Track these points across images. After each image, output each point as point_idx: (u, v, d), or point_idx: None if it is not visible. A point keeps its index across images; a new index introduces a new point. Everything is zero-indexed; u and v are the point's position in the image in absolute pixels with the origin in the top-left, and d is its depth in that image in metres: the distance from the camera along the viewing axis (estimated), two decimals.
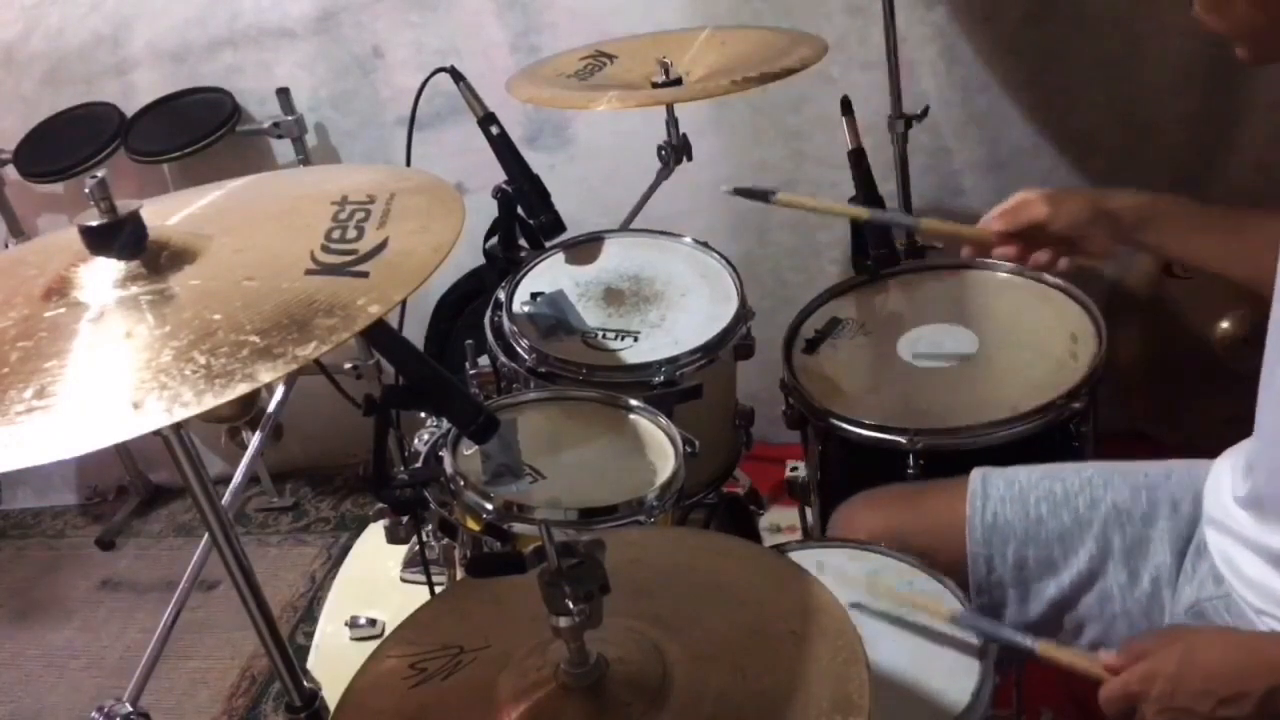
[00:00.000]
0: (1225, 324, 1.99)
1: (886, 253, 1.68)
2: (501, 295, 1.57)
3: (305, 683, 0.97)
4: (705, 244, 1.67)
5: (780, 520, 2.15)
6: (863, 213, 1.54)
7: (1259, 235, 1.22)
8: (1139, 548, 1.23)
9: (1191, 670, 0.99)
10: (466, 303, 2.05)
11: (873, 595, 1.18)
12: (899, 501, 1.35)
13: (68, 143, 2.29)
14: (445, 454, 1.26)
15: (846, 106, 1.74)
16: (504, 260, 1.65)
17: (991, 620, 1.16)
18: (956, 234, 1.38)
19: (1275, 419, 1.08)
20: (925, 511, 1.30)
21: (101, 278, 0.84)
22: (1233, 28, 1.01)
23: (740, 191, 1.42)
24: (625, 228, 1.80)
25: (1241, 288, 1.20)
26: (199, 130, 2.23)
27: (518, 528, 1.20)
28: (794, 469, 1.64)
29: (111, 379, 0.76)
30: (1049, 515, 1.25)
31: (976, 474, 1.30)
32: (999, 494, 1.27)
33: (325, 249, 0.86)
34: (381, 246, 0.86)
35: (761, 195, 1.40)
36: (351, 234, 0.88)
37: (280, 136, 2.31)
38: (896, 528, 1.25)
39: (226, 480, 1.50)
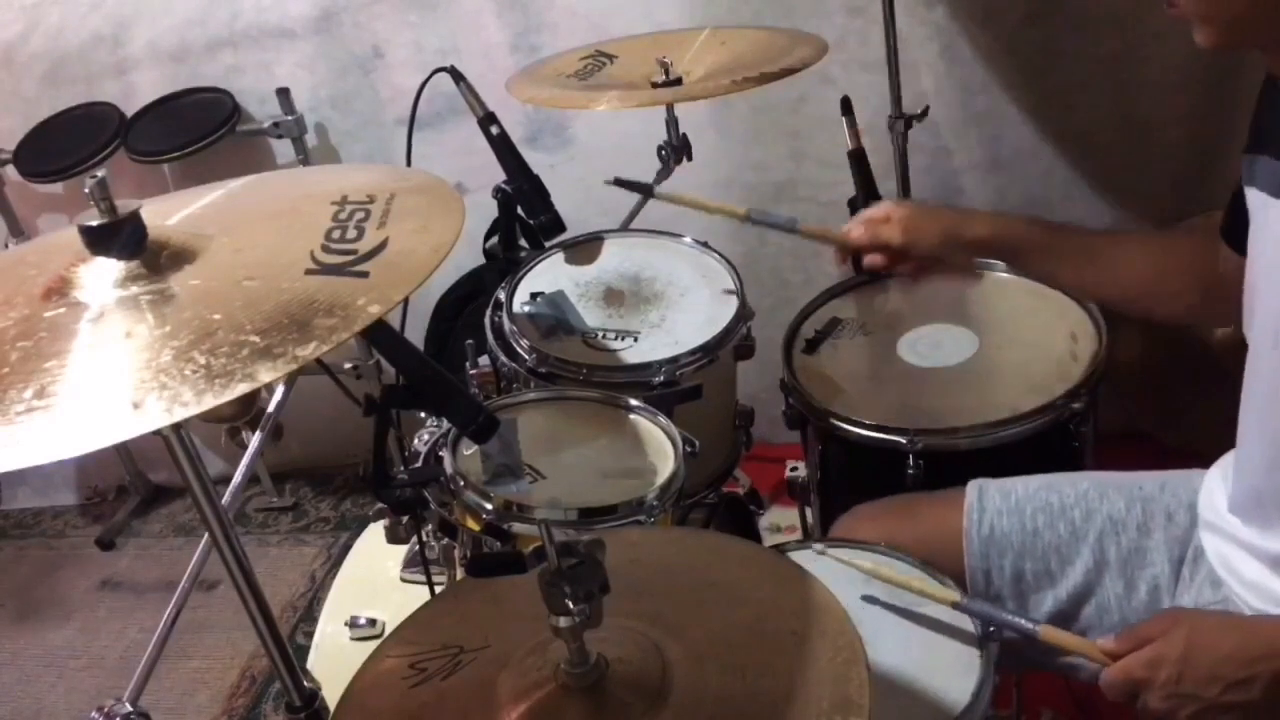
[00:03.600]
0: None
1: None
2: (501, 295, 1.57)
3: (305, 683, 0.97)
4: (705, 244, 1.67)
5: (780, 520, 2.15)
6: (739, 210, 1.51)
7: (1111, 259, 1.31)
8: (1135, 558, 1.23)
9: (1198, 655, 0.98)
10: (466, 303, 2.05)
11: (875, 583, 1.18)
12: (896, 515, 1.35)
13: (68, 143, 2.29)
14: (445, 454, 1.26)
15: (846, 106, 1.74)
16: (504, 260, 1.65)
17: (994, 604, 1.16)
18: (827, 238, 1.45)
19: (1256, 427, 1.09)
20: (922, 525, 1.30)
21: (101, 278, 0.84)
22: (1209, 8, 0.99)
23: (620, 183, 1.45)
24: (625, 228, 1.80)
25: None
26: (199, 130, 2.23)
27: (518, 528, 1.20)
28: (794, 469, 1.64)
29: (111, 379, 0.76)
30: (1045, 527, 1.25)
31: (972, 487, 1.30)
32: (995, 507, 1.28)
33: (325, 249, 0.86)
34: (381, 246, 0.86)
35: (642, 189, 1.43)
36: (351, 234, 0.88)
37: (280, 136, 2.31)
38: (894, 542, 1.25)
39: (226, 480, 1.49)
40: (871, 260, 1.40)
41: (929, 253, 1.37)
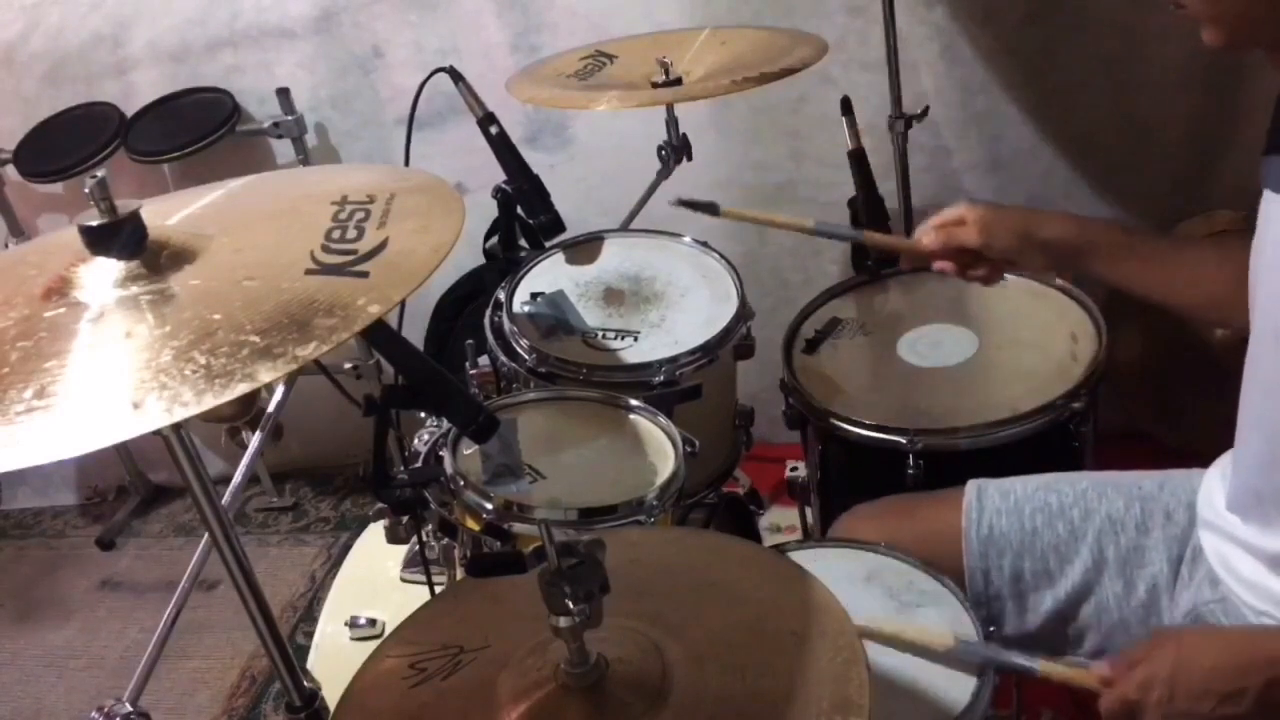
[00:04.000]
0: None
1: (886, 253, 1.68)
2: (501, 295, 1.57)
3: (305, 683, 0.97)
4: (705, 244, 1.67)
5: (780, 520, 2.15)
6: (807, 223, 1.45)
7: (1186, 265, 1.28)
8: (1134, 557, 1.23)
9: (1188, 671, 0.99)
10: (466, 303, 2.05)
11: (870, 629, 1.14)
12: (895, 515, 1.35)
13: (68, 143, 2.29)
14: (445, 454, 1.26)
15: (846, 106, 1.74)
16: (504, 260, 1.65)
17: (991, 646, 1.14)
18: (896, 247, 1.43)
19: (1255, 424, 1.09)
20: (921, 525, 1.30)
21: (101, 278, 0.84)
22: (1215, 9, 0.99)
23: (685, 203, 1.43)
24: (625, 228, 1.80)
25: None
26: (199, 130, 2.23)
27: (518, 528, 1.20)
28: (794, 469, 1.64)
29: (111, 379, 0.76)
30: (1044, 527, 1.25)
31: (971, 486, 1.30)
32: (994, 506, 1.28)
33: (325, 249, 0.86)
34: (381, 246, 0.86)
35: (707, 208, 1.41)
36: (351, 234, 0.88)
37: (280, 136, 2.31)
38: (893, 542, 1.25)
39: (226, 480, 1.49)
40: (942, 266, 1.36)
41: (1004, 254, 1.32)
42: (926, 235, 1.36)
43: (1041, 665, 1.09)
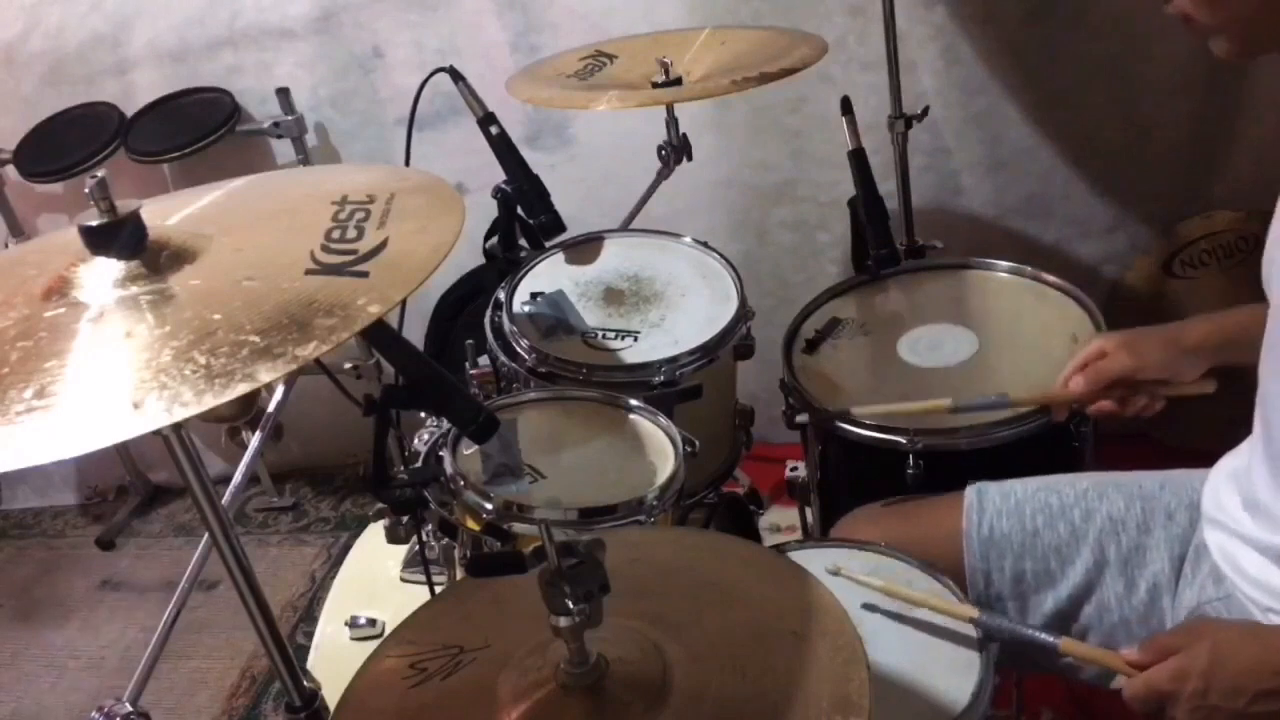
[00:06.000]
0: None
1: (886, 253, 1.68)
2: (501, 295, 1.57)
3: (305, 683, 0.97)
4: (705, 244, 1.67)
5: (780, 520, 2.15)
6: (941, 405, 1.38)
7: None
8: (1135, 557, 1.23)
9: (1223, 667, 0.98)
10: (466, 303, 2.05)
11: (889, 598, 1.17)
12: (895, 517, 1.35)
13: (68, 143, 2.29)
14: (445, 454, 1.26)
15: (846, 106, 1.74)
16: (504, 260, 1.65)
17: (1012, 621, 1.15)
18: (1049, 401, 1.37)
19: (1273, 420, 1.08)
20: (922, 527, 1.30)
21: (101, 278, 0.84)
22: (1223, 18, 0.99)
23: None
24: (625, 228, 1.80)
25: (1242, 289, 1.19)
26: (199, 130, 2.23)
27: (518, 528, 1.20)
28: (794, 469, 1.64)
29: (111, 379, 0.76)
30: (1045, 528, 1.25)
31: (972, 488, 1.30)
32: (995, 507, 1.27)
33: (325, 249, 0.86)
34: (381, 246, 0.86)
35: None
36: (351, 234, 0.88)
37: (280, 136, 2.31)
38: (894, 544, 1.25)
39: (226, 480, 1.49)
40: (1099, 408, 1.33)
41: (1158, 371, 1.29)
42: (1074, 381, 1.33)
43: (1064, 643, 1.10)
